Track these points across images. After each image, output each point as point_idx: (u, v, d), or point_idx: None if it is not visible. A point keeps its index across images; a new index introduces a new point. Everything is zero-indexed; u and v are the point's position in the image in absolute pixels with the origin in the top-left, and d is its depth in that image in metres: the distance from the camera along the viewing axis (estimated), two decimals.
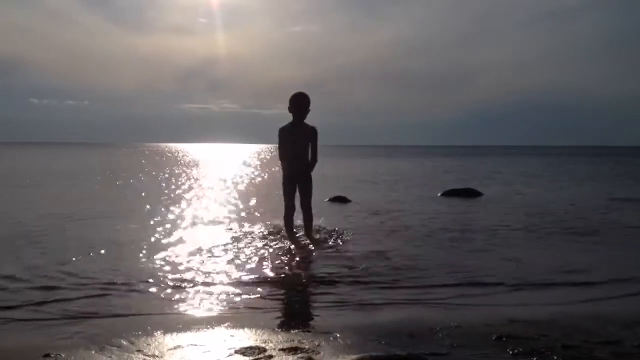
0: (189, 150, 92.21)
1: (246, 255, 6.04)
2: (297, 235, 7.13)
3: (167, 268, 5.41)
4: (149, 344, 3.36)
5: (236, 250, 6.33)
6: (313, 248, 6.49)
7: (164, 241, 6.87)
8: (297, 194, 7.20)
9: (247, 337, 3.51)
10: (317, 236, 7.12)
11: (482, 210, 10.81)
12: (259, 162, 39.74)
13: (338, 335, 3.52)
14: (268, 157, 54.09)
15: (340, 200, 11.80)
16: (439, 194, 13.77)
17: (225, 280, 4.97)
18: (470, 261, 5.84)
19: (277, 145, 7.17)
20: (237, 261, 5.74)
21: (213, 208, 10.68)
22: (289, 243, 6.72)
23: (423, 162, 39.95)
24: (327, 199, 11.67)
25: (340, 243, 6.75)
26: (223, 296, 4.49)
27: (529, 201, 12.49)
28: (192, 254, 6.11)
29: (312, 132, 7.02)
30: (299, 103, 6.97)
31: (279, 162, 7.22)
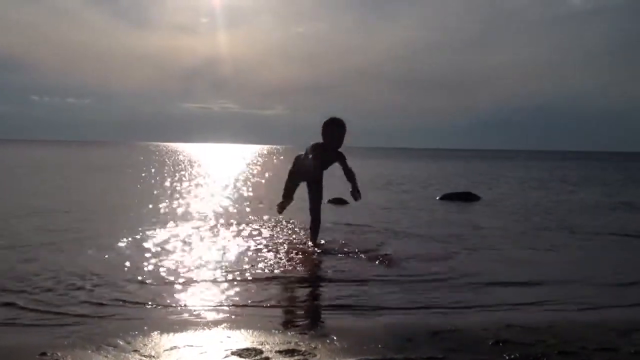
0: (190, 150, 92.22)
1: (244, 255, 6.04)
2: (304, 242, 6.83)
3: (164, 267, 5.41)
4: (146, 344, 3.36)
5: (234, 249, 6.33)
6: (317, 250, 6.41)
7: (162, 240, 6.86)
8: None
9: (244, 339, 3.51)
10: (322, 242, 6.74)
11: (476, 214, 10.82)
12: (262, 161, 39.74)
13: (335, 338, 3.52)
14: (278, 157, 54.09)
15: (339, 202, 11.80)
16: (437, 198, 13.78)
17: (222, 280, 4.97)
18: (464, 265, 5.82)
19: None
20: (235, 261, 5.73)
21: (213, 206, 10.68)
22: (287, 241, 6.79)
23: (428, 165, 39.98)
24: (326, 201, 11.66)
25: (335, 246, 6.73)
26: (220, 297, 4.49)
27: (525, 205, 12.49)
28: (189, 253, 6.11)
29: (340, 155, 6.39)
30: (340, 129, 6.31)
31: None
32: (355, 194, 6.20)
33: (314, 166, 6.35)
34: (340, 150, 6.38)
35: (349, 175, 6.31)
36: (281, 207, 7.03)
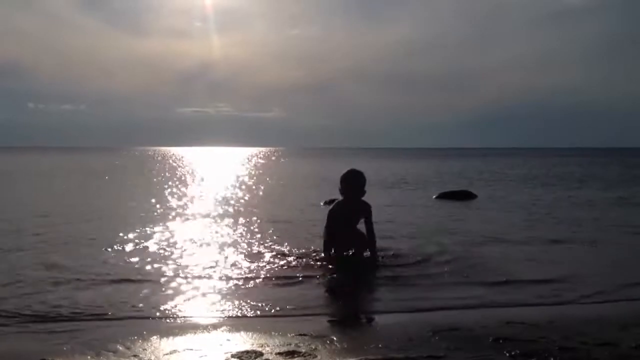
0: (187, 154, 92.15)
1: (244, 257, 6.03)
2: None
3: (163, 271, 5.39)
4: (145, 349, 3.34)
5: (234, 252, 6.32)
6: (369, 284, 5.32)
7: (161, 243, 6.84)
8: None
9: (244, 341, 3.49)
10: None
11: (472, 212, 10.84)
12: (260, 163, 39.72)
13: (335, 338, 3.51)
14: (276, 160, 54.00)
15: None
16: (434, 197, 13.78)
17: (222, 283, 4.96)
18: (463, 264, 5.80)
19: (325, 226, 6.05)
20: (235, 264, 5.72)
21: (213, 208, 10.66)
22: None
23: (425, 164, 40.00)
24: (322, 203, 11.67)
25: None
26: (219, 300, 4.47)
27: (521, 202, 12.52)
28: (188, 256, 6.09)
29: (367, 210, 5.99)
30: (356, 182, 5.96)
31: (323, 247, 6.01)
32: (373, 261, 5.85)
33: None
34: (365, 200, 6.02)
35: (371, 239, 5.95)
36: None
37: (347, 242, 6.02)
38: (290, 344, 3.41)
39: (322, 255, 5.98)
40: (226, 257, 6.09)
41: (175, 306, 4.31)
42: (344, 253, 6.02)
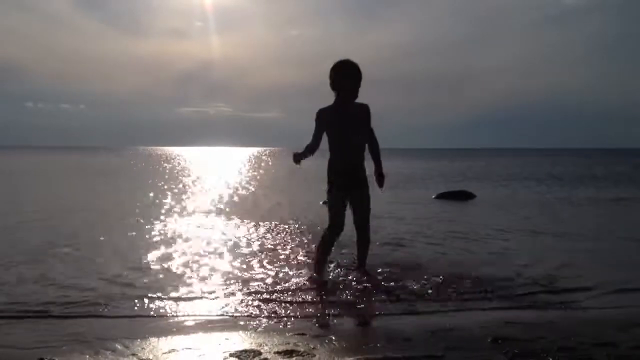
0: (187, 154, 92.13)
1: (243, 256, 6.03)
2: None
3: (162, 270, 5.39)
4: (144, 348, 3.34)
5: (233, 251, 6.32)
6: (369, 284, 4.94)
7: (160, 242, 6.84)
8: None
9: (242, 341, 3.49)
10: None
11: (473, 212, 10.84)
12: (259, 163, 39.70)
13: (333, 338, 3.51)
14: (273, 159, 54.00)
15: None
16: (433, 197, 13.79)
17: (221, 283, 4.95)
18: (461, 264, 5.79)
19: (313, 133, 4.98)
20: (233, 263, 5.72)
21: (212, 207, 10.66)
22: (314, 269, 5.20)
23: (422, 165, 40.01)
24: (322, 202, 11.66)
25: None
26: (218, 299, 4.47)
27: (518, 202, 12.53)
28: (187, 256, 6.09)
29: (366, 111, 4.95)
30: (355, 72, 4.85)
31: (308, 155, 5.07)
32: (380, 179, 5.04)
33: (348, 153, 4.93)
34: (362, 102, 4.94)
35: (374, 147, 5.05)
36: (332, 238, 5.14)
37: (348, 151, 4.94)
38: (288, 343, 3.41)
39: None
40: (226, 257, 6.09)
41: (174, 305, 4.31)
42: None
